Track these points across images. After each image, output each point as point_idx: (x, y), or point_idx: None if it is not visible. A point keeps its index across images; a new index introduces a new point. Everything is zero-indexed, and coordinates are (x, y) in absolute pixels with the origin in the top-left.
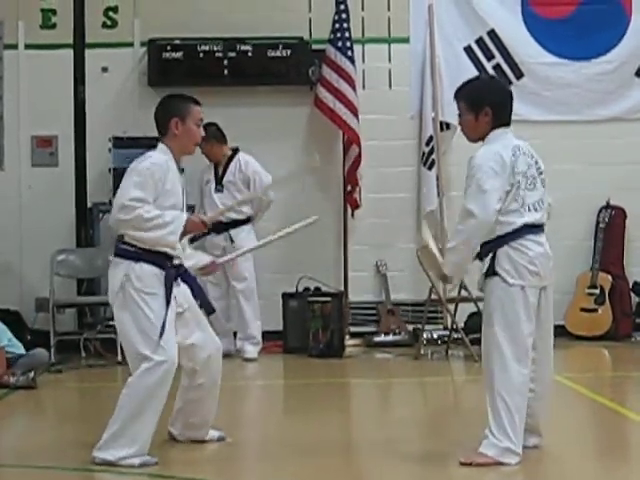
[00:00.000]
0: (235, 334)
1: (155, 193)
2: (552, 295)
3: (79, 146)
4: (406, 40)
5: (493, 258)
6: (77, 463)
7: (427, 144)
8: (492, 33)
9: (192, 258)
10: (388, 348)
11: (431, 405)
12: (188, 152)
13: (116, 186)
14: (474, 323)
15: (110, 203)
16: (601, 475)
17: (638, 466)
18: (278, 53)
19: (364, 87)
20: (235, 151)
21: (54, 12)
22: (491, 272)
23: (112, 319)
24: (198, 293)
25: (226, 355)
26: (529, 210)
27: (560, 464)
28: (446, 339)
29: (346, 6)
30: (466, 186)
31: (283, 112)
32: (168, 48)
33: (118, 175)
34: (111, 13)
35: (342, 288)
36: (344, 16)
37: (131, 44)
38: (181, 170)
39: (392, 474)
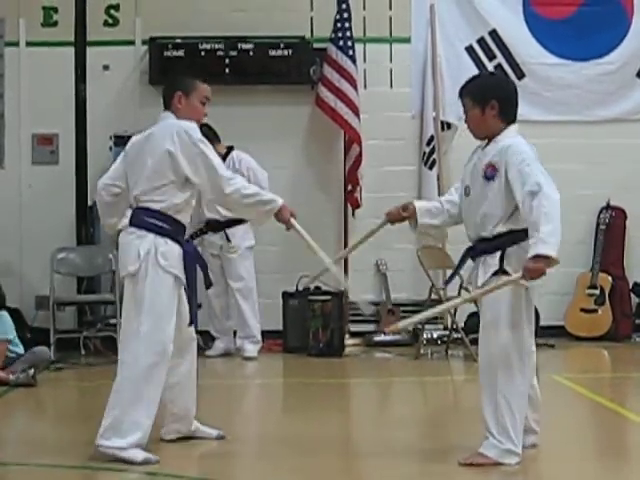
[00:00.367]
0: (235, 333)
1: None
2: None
3: (80, 144)
4: (407, 40)
5: (502, 257)
6: (77, 461)
7: (428, 144)
8: (494, 33)
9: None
10: (388, 348)
11: (431, 405)
12: None
13: None
14: (474, 323)
15: None
16: (601, 476)
17: (638, 467)
18: (279, 52)
19: (365, 86)
20: (229, 149)
21: (55, 10)
22: (500, 271)
23: (112, 317)
24: (202, 266)
25: (226, 354)
26: None
27: (560, 464)
28: (446, 339)
29: (348, 5)
30: (518, 170)
31: (284, 111)
32: (169, 46)
33: None
34: (112, 11)
35: (342, 287)
36: (345, 15)
37: (132, 42)
38: None
39: (391, 473)
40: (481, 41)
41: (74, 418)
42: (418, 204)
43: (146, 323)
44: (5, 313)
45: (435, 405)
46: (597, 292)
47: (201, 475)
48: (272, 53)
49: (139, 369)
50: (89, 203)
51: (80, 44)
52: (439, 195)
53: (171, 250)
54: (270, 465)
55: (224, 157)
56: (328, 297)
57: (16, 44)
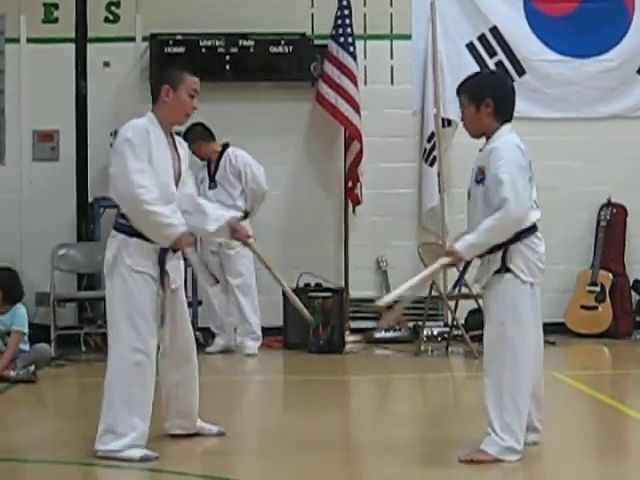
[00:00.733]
0: (235, 329)
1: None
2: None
3: (80, 141)
4: (408, 36)
5: (504, 254)
6: (77, 457)
7: (429, 140)
8: (494, 30)
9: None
10: (388, 344)
11: (431, 402)
12: (178, 122)
13: None
14: (474, 320)
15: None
16: (601, 472)
17: (638, 463)
18: (280, 49)
19: (366, 83)
20: (225, 146)
21: (56, 6)
22: (503, 269)
23: None
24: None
25: (226, 350)
26: (535, 207)
27: (560, 461)
28: (446, 336)
29: (348, 2)
30: (492, 176)
31: (284, 108)
32: (170, 43)
33: None
34: (113, 8)
35: (342, 284)
36: (346, 12)
37: (133, 39)
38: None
39: (391, 470)
40: (482, 38)
41: (74, 414)
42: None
43: (122, 323)
44: (22, 307)
45: (435, 402)
46: (597, 289)
47: (201, 472)
48: (273, 50)
49: (124, 370)
50: (90, 199)
51: (81, 41)
52: (439, 192)
53: (140, 249)
54: (270, 462)
55: (220, 154)
56: (328, 294)
57: (17, 40)
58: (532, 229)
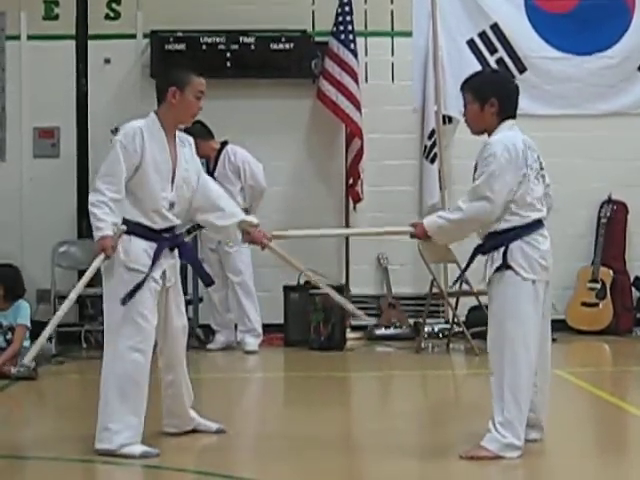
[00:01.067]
0: (236, 326)
1: (131, 163)
2: (550, 290)
3: (81, 137)
4: (409, 33)
5: (505, 252)
6: (77, 454)
7: (429, 138)
8: (495, 27)
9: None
10: (389, 341)
11: (432, 399)
12: (184, 123)
13: None
14: (475, 317)
15: None
16: (601, 469)
17: (638, 461)
18: (281, 46)
19: (367, 80)
20: (224, 144)
21: (57, 3)
22: (503, 266)
23: None
24: (196, 265)
25: (227, 347)
26: (538, 204)
27: (560, 458)
28: (447, 333)
29: None
30: (480, 170)
31: (285, 105)
32: (171, 40)
33: None
34: (114, 5)
35: (343, 281)
36: (347, 9)
37: (134, 36)
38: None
39: (392, 467)
40: (482, 35)
41: (75, 411)
42: None
43: (119, 321)
44: (25, 302)
45: (436, 399)
46: (598, 286)
47: (201, 469)
48: (273, 47)
49: (120, 368)
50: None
51: (81, 37)
52: (440, 189)
53: (134, 247)
54: (271, 459)
55: (219, 152)
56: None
57: (17, 38)
58: (533, 226)
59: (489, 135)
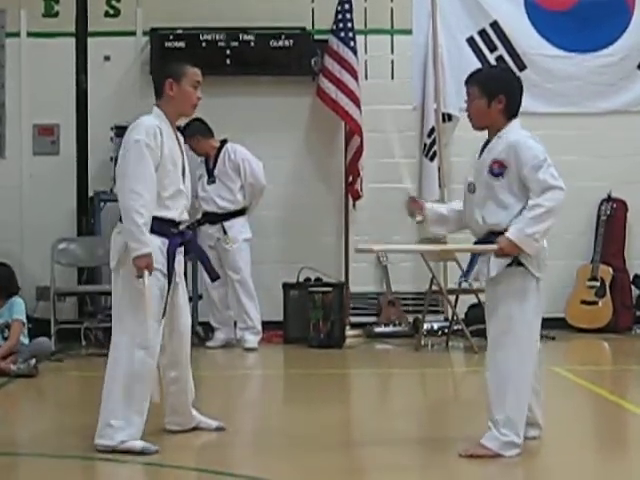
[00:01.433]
0: (235, 324)
1: (155, 161)
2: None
3: (81, 135)
4: (409, 31)
5: None
6: (78, 451)
7: (429, 135)
8: (495, 25)
9: None
10: (388, 339)
11: (431, 396)
12: (186, 114)
13: None
14: (475, 314)
15: (111, 192)
16: (601, 467)
17: (638, 458)
18: (280, 43)
19: (366, 78)
20: (223, 142)
21: (56, 1)
22: (515, 262)
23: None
24: (204, 259)
25: (226, 345)
26: None
27: (560, 456)
28: (446, 330)
29: None
30: (529, 167)
31: (285, 102)
32: (170, 37)
33: None
34: (114, 2)
35: (343, 279)
36: (347, 7)
37: (133, 33)
38: (180, 131)
39: (391, 465)
40: (482, 33)
41: (75, 408)
42: (430, 211)
43: (128, 318)
44: (19, 298)
45: (435, 397)
46: (598, 284)
47: (201, 466)
48: (273, 44)
49: (126, 365)
50: (90, 194)
51: (81, 35)
52: (440, 187)
53: (151, 244)
54: (270, 456)
55: (218, 150)
56: (329, 288)
57: (17, 35)
58: None
59: (490, 131)
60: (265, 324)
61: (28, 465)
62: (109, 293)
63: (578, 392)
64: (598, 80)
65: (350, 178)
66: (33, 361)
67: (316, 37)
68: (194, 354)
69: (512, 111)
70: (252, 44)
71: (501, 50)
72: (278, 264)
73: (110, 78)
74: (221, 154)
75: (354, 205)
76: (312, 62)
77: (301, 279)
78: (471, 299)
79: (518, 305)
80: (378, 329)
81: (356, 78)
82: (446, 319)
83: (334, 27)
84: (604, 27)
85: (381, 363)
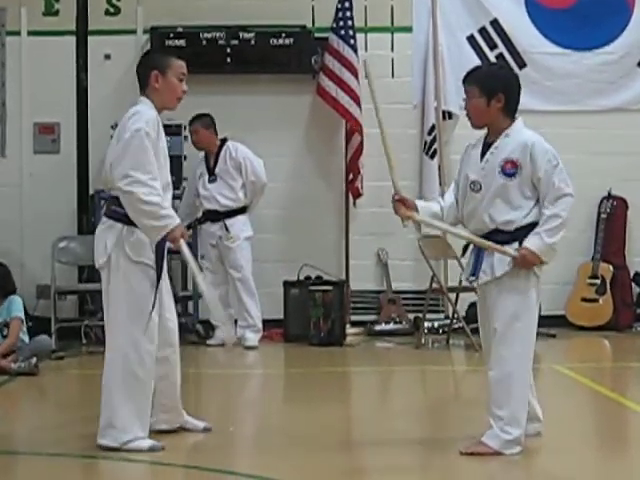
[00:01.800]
0: (236, 322)
1: (154, 151)
2: None
3: (81, 133)
4: (409, 29)
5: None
6: (79, 449)
7: (429, 133)
8: (495, 23)
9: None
10: (389, 337)
11: (431, 394)
12: (170, 107)
13: None
14: (475, 313)
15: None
16: (601, 465)
17: (639, 456)
18: (281, 41)
19: (366, 76)
20: (224, 141)
21: None
22: None
23: None
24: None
25: (226, 343)
26: None
27: (560, 454)
28: (447, 328)
29: None
30: (544, 171)
31: (285, 100)
32: (171, 36)
33: None
34: (114, 0)
35: (343, 277)
36: (347, 4)
37: (134, 31)
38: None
39: (392, 463)
40: (482, 30)
41: (76, 406)
42: (421, 208)
43: (121, 317)
44: (17, 296)
45: (436, 395)
46: (598, 282)
47: (202, 464)
48: (273, 42)
49: (123, 364)
50: (90, 192)
51: (81, 33)
52: (440, 185)
53: (139, 240)
54: (271, 454)
55: (219, 148)
56: (329, 286)
57: (17, 33)
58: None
59: (489, 130)
60: (265, 322)
61: (29, 463)
62: None
63: (578, 390)
64: (598, 78)
65: (350, 176)
66: (34, 359)
67: (316, 35)
68: (194, 352)
69: (511, 109)
70: (252, 42)
71: (501, 48)
72: (279, 262)
73: (110, 76)
74: (222, 152)
75: (354, 203)
76: (312, 60)
77: (301, 277)
78: (472, 297)
79: (522, 302)
80: (379, 327)
81: (356, 76)
82: (447, 317)
83: (334, 25)
84: (604, 25)
85: (382, 361)
